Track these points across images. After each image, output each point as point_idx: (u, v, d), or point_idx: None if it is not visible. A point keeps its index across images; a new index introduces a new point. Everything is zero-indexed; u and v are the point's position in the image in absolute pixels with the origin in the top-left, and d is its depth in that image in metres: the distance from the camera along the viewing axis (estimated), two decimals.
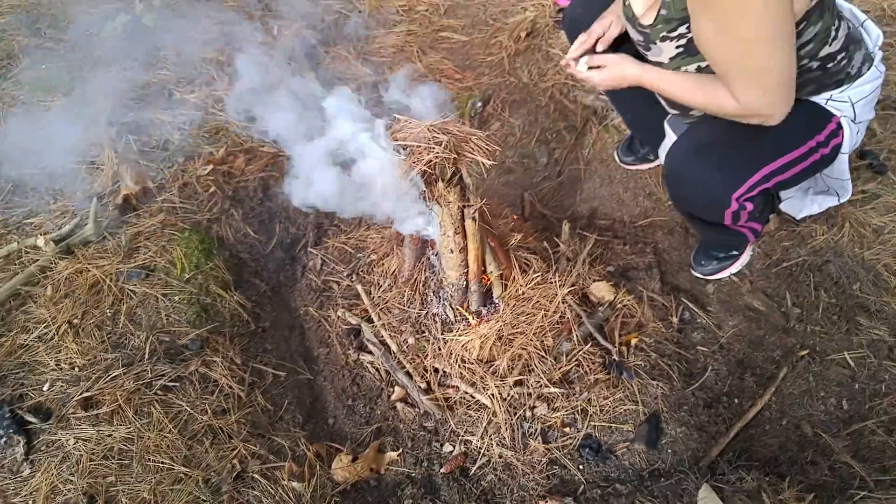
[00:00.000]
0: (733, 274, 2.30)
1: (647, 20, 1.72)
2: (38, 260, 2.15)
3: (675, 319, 2.21)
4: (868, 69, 1.76)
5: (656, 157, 2.62)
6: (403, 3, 3.36)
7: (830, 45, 1.65)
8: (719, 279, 2.32)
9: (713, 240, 2.27)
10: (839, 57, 1.69)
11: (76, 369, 1.93)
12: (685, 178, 1.82)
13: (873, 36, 1.82)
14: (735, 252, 2.26)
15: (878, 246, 2.25)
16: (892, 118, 2.56)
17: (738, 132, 1.71)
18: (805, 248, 2.29)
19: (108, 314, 2.07)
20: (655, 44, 1.73)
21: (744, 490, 1.73)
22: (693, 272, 2.35)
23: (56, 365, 1.94)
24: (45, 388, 1.89)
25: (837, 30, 1.65)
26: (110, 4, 3.33)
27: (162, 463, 1.76)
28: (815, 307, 2.19)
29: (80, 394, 1.86)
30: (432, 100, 1.92)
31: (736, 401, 2.05)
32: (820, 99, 1.77)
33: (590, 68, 1.89)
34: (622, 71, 1.84)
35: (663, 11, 1.65)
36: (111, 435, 1.80)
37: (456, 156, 1.73)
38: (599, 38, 1.96)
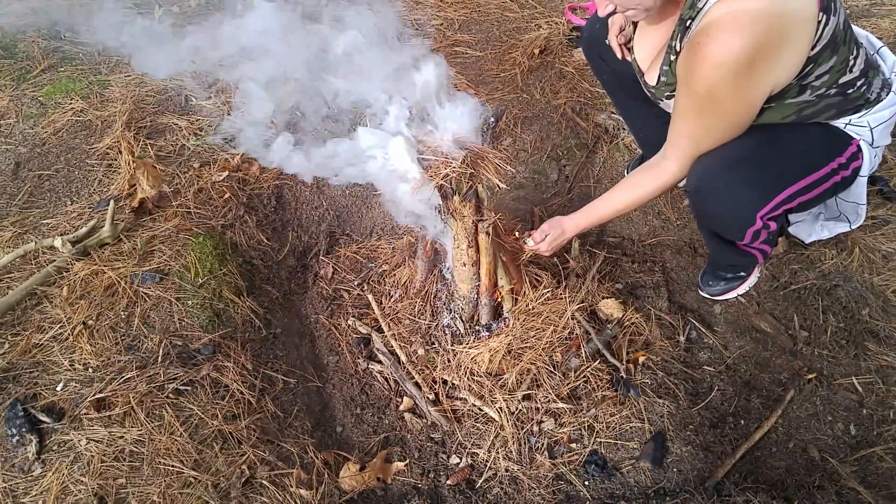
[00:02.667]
0: (740, 295, 2.32)
1: (651, 80, 1.80)
2: (54, 260, 2.18)
3: (682, 339, 2.23)
4: (887, 94, 1.78)
5: None
6: (418, 17, 3.40)
7: (849, 73, 1.68)
8: (726, 300, 2.33)
9: (723, 259, 2.28)
10: (858, 83, 1.71)
11: (90, 370, 1.95)
12: (714, 193, 1.81)
13: (889, 62, 1.84)
14: (742, 273, 2.27)
15: (887, 272, 2.27)
16: None
17: (768, 151, 1.74)
18: (814, 272, 2.30)
19: (123, 316, 2.09)
20: (662, 101, 1.81)
21: None
22: (700, 292, 2.36)
23: (70, 365, 1.95)
24: (58, 388, 1.90)
25: (856, 58, 1.68)
26: (130, 9, 3.38)
27: (172, 466, 1.77)
28: (822, 331, 2.20)
29: (94, 395, 1.88)
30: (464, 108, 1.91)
31: (742, 422, 2.05)
32: (839, 123, 1.79)
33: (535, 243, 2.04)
34: (562, 232, 2.01)
35: (663, 78, 1.74)
36: (122, 437, 1.81)
37: (472, 171, 1.76)
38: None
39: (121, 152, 2.56)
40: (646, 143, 2.51)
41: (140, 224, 2.34)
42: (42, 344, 2.00)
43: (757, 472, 1.94)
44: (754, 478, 1.91)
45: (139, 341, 2.05)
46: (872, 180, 2.47)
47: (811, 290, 2.27)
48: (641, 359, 2.11)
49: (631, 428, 1.97)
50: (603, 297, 2.23)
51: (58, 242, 2.19)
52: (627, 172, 2.72)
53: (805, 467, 1.94)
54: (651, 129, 2.29)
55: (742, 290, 2.30)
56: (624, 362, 2.08)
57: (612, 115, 2.87)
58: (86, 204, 2.42)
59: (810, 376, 2.11)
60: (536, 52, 3.17)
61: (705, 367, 2.19)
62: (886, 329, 2.17)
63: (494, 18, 3.44)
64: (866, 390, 2.06)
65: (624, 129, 2.83)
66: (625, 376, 2.05)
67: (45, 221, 2.37)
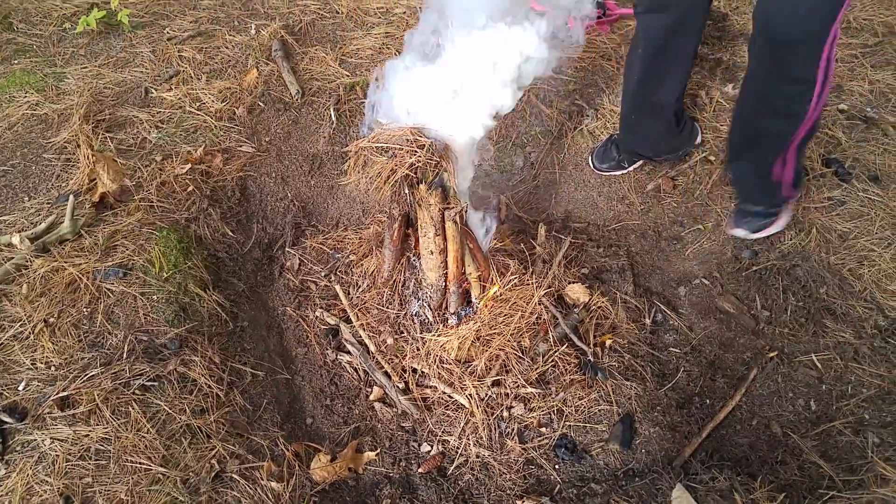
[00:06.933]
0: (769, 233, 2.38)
1: None
2: (12, 258, 2.13)
3: (647, 321, 2.27)
4: None
5: (630, 164, 2.68)
6: (381, 5, 3.37)
7: None
8: (763, 236, 2.39)
9: (756, 189, 2.33)
10: None
11: (52, 368, 1.91)
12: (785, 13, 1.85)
13: None
14: (774, 210, 2.34)
15: (843, 251, 2.33)
16: (856, 127, 2.65)
17: None
18: (774, 253, 2.36)
19: (85, 313, 2.05)
20: None
21: (716, 490, 1.77)
22: (734, 232, 2.41)
23: (32, 364, 1.91)
24: (20, 388, 1.86)
25: None
26: (84, 0, 3.31)
27: (139, 463, 1.75)
28: (783, 310, 2.25)
29: (57, 393, 1.84)
30: None
31: (707, 401, 2.10)
32: None
33: None
34: None
35: None
36: (88, 435, 1.78)
37: (438, 159, 1.76)
38: None
39: (79, 146, 2.50)
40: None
41: (101, 219, 2.30)
42: (2, 343, 1.95)
43: (722, 449, 1.99)
44: (720, 455, 1.96)
45: (103, 338, 2.01)
46: (828, 162, 2.53)
47: (771, 270, 2.32)
48: (608, 342, 2.14)
49: (599, 411, 2.00)
50: (569, 283, 2.26)
51: (16, 239, 2.14)
52: (591, 160, 2.74)
53: (768, 443, 1.99)
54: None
55: (777, 227, 2.37)
56: (591, 346, 2.11)
57: (576, 101, 2.89)
58: (44, 200, 2.37)
59: (772, 354, 2.16)
60: None
61: (671, 348, 2.23)
62: (843, 307, 2.23)
63: None
64: (825, 366, 2.11)
65: (587, 115, 2.85)
66: (592, 360, 2.08)
67: (2, 218, 2.31)
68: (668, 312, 2.30)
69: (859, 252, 2.34)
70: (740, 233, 2.40)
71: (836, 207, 2.41)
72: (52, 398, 1.84)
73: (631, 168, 2.68)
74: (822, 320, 2.20)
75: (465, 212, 1.93)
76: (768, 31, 1.93)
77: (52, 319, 2.01)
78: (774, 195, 2.30)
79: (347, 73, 2.97)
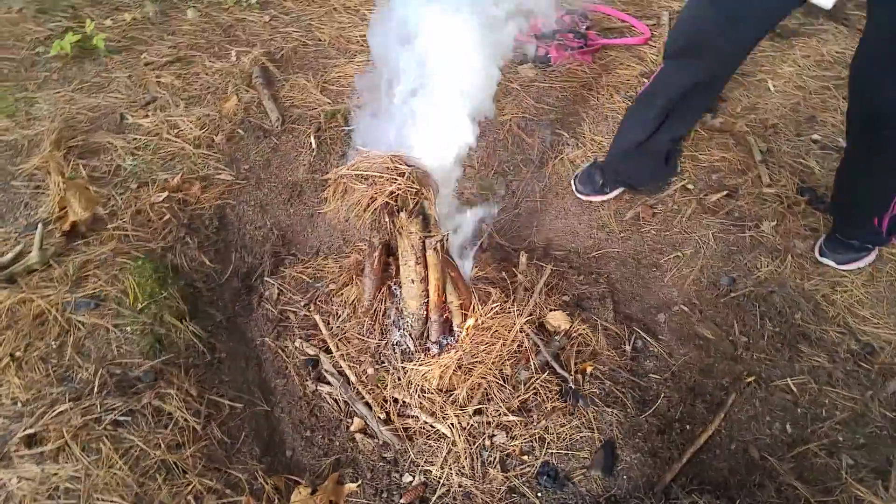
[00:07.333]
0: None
1: None
2: None
3: (628, 348, 2.27)
4: None
5: (612, 189, 2.71)
6: (363, 33, 3.39)
7: None
8: (855, 269, 2.42)
9: (856, 226, 2.36)
10: None
11: (19, 404, 1.85)
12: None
13: None
14: (867, 247, 2.39)
15: (817, 277, 2.38)
16: (829, 157, 2.72)
17: None
18: (751, 280, 2.39)
19: (54, 346, 1.99)
20: None
21: None
22: (822, 260, 2.44)
23: None
24: None
25: None
26: (59, 23, 3.27)
27: (111, 501, 1.69)
28: (760, 336, 2.28)
29: (23, 430, 1.78)
30: None
31: (687, 427, 2.10)
32: None
33: None
34: None
35: None
36: (57, 473, 1.72)
37: (418, 188, 1.75)
38: None
39: (49, 173, 2.45)
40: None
41: (72, 248, 2.24)
42: None
43: (702, 474, 1.99)
44: (700, 480, 1.96)
45: (73, 372, 1.95)
46: (801, 191, 2.59)
47: (749, 296, 2.36)
48: (589, 369, 2.14)
49: (581, 437, 1.99)
50: (551, 310, 2.26)
51: None
52: (574, 185, 2.77)
53: (746, 467, 2.01)
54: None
55: (862, 264, 2.41)
56: (572, 373, 2.11)
57: (557, 130, 2.92)
58: (11, 229, 2.31)
59: (749, 379, 2.18)
60: None
61: (651, 374, 2.23)
62: (817, 332, 2.27)
63: None
64: (800, 391, 2.14)
65: (568, 144, 2.88)
66: (573, 387, 2.08)
67: None
68: (648, 339, 2.31)
69: (832, 278, 2.40)
70: (827, 262, 2.43)
71: (811, 234, 2.47)
72: (18, 436, 1.77)
73: (612, 195, 2.71)
74: (797, 345, 2.24)
75: (447, 240, 1.92)
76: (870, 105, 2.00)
77: (18, 353, 1.95)
78: (870, 235, 2.35)
79: (329, 101, 2.97)
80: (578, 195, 2.76)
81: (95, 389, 1.91)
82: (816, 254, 2.46)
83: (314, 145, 2.80)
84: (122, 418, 1.86)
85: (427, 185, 1.79)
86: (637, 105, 2.45)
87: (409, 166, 1.77)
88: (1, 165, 2.56)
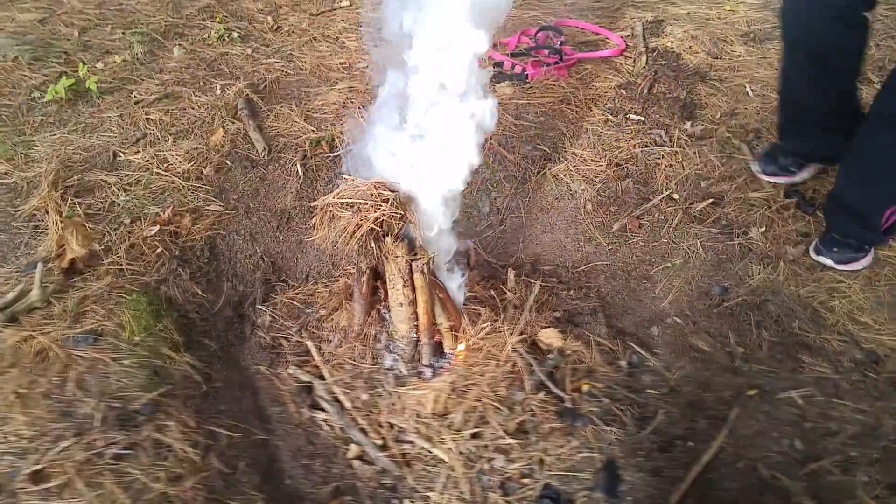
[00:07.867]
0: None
1: None
2: None
3: (623, 363, 2.25)
4: None
5: (798, 169, 2.67)
6: (343, 60, 3.44)
7: None
8: (852, 270, 2.39)
9: (856, 224, 2.33)
10: None
11: (24, 441, 1.86)
12: None
13: None
14: (865, 247, 2.37)
15: (812, 284, 2.34)
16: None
17: None
18: (744, 288, 2.37)
19: (56, 382, 2.01)
20: None
21: None
22: (819, 259, 2.40)
23: (4, 437, 1.86)
24: None
25: None
26: (53, 68, 3.34)
27: None
28: (758, 346, 2.24)
29: (30, 467, 1.78)
30: None
31: (690, 443, 2.03)
32: None
33: None
34: None
35: None
36: None
37: (403, 212, 1.77)
38: None
39: (48, 213, 2.49)
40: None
41: (71, 285, 2.27)
42: None
43: (711, 494, 1.92)
44: (708, 501, 1.90)
45: (75, 407, 1.96)
46: (788, 194, 2.57)
47: (742, 305, 2.33)
48: (585, 387, 2.13)
49: (581, 458, 1.96)
50: (542, 327, 2.25)
51: None
52: (758, 166, 2.75)
53: (757, 487, 1.92)
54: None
55: (861, 265, 2.38)
56: (568, 392, 2.10)
57: (538, 146, 2.93)
58: (13, 268, 2.34)
59: (751, 392, 2.12)
60: None
61: (649, 390, 2.20)
62: (818, 340, 2.22)
63: None
64: (807, 403, 2.07)
65: (550, 160, 2.88)
66: (570, 406, 2.06)
67: None
68: (644, 353, 2.29)
69: (829, 284, 2.37)
70: (825, 260, 2.39)
71: (802, 239, 2.44)
72: (24, 472, 1.78)
73: (799, 176, 2.70)
74: (798, 355, 2.19)
75: (433, 262, 1.93)
76: None
77: (22, 390, 1.97)
78: (870, 233, 2.33)
79: (313, 129, 3.00)
80: (763, 177, 2.74)
81: (97, 424, 1.92)
82: (812, 254, 2.41)
83: (301, 173, 2.82)
84: (123, 452, 1.87)
85: (410, 208, 1.81)
86: None
87: (392, 192, 1.79)
88: (2, 207, 2.60)
